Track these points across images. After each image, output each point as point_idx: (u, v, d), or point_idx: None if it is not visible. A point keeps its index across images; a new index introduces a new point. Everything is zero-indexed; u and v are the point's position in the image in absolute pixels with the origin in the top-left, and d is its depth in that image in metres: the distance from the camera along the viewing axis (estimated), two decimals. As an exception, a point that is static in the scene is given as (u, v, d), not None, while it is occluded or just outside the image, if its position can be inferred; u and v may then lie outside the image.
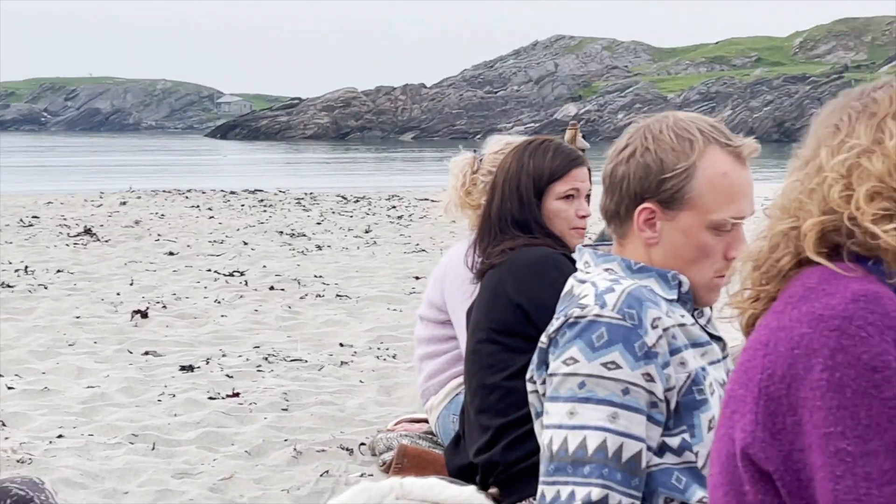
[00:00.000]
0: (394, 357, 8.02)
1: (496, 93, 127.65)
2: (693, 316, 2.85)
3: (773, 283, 2.03)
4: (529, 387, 2.87)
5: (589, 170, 4.20)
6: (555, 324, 2.79)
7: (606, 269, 2.85)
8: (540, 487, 2.73)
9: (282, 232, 17.00)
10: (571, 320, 2.74)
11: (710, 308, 2.93)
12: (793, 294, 1.96)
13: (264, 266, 12.91)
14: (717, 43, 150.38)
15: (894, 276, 1.94)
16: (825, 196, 1.98)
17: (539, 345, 2.82)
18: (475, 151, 5.07)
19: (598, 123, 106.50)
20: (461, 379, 4.74)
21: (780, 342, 1.90)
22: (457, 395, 4.85)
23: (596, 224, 7.40)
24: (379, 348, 8.29)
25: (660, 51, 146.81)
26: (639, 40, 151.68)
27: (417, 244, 15.55)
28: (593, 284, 2.79)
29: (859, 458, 1.80)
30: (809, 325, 1.88)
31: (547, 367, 2.79)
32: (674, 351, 2.74)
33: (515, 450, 3.77)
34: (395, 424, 5.53)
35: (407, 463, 4.71)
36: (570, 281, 2.90)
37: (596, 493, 2.64)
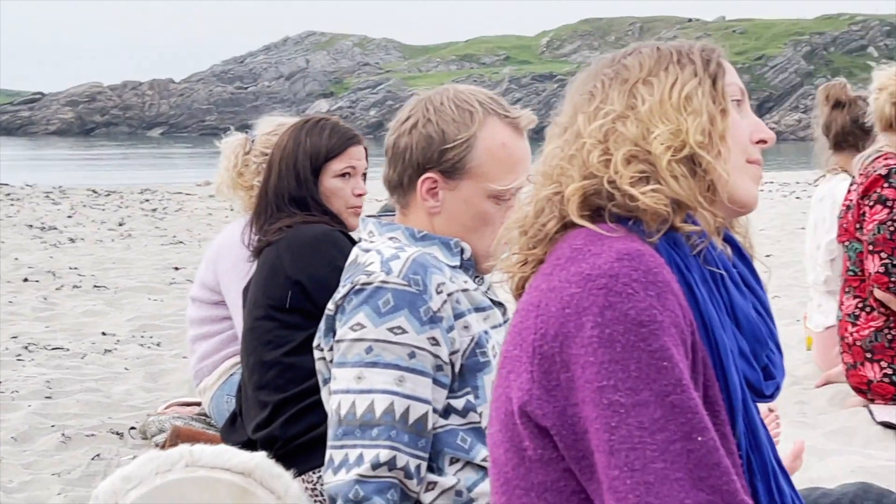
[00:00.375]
0: (158, 345, 7.94)
1: (247, 88, 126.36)
2: (475, 282, 2.94)
3: (540, 247, 2.11)
4: (317, 354, 2.91)
5: (366, 149, 4.25)
6: (341, 291, 2.83)
7: (391, 238, 2.91)
8: (328, 452, 2.78)
9: (31, 225, 16.52)
10: (358, 287, 2.79)
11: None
12: (560, 256, 2.04)
13: (16, 259, 12.55)
14: (466, 41, 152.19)
15: (654, 235, 2.04)
16: (585, 161, 2.07)
17: (326, 312, 2.86)
18: (247, 132, 5.07)
19: (350, 120, 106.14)
20: (236, 359, 4.74)
21: (550, 303, 1.98)
22: (231, 375, 4.85)
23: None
24: (142, 336, 8.19)
25: (411, 48, 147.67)
26: (390, 37, 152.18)
27: (174, 236, 15.36)
28: (378, 252, 2.84)
29: (632, 408, 1.88)
30: (578, 285, 1.96)
31: (334, 333, 2.83)
32: (458, 315, 2.82)
33: (295, 424, 3.79)
34: (166, 408, 5.49)
35: (181, 444, 4.67)
36: (355, 250, 2.94)
37: (384, 454, 2.70)
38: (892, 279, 5.27)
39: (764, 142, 2.21)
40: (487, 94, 2.97)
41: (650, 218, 2.04)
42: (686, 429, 1.89)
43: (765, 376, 2.19)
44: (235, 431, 4.16)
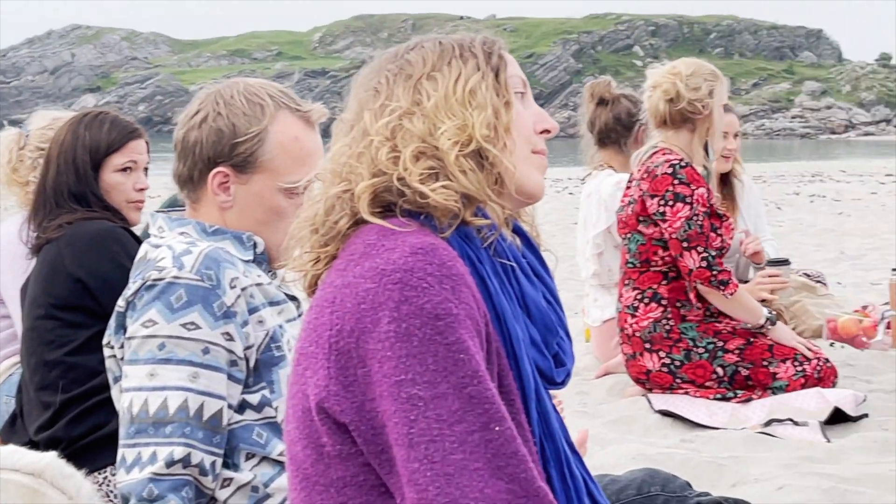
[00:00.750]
0: (-74, 347, 7.65)
1: (9, 83, 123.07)
2: (269, 276, 2.92)
3: (332, 244, 2.11)
4: (107, 352, 2.85)
5: (147, 143, 4.18)
6: (132, 287, 2.78)
7: (181, 233, 2.88)
8: (120, 451, 2.73)
9: None
10: (149, 283, 2.74)
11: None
12: (354, 251, 2.04)
13: None
14: (238, 36, 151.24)
15: (446, 230, 2.05)
16: (373, 159, 2.08)
17: (116, 309, 2.81)
18: (21, 127, 4.94)
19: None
20: (14, 359, 4.61)
21: (345, 298, 1.97)
22: (10, 375, 4.71)
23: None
24: None
25: (180, 43, 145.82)
26: (159, 32, 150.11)
27: (-62, 235, 14.83)
28: (169, 248, 2.81)
29: (430, 401, 1.90)
30: (373, 280, 1.96)
31: (125, 330, 2.78)
32: (252, 310, 2.79)
33: (79, 425, 3.71)
34: (-61, 411, 5.31)
35: (-44, 448, 4.53)
36: (145, 246, 2.90)
37: (178, 452, 2.66)
38: (714, 272, 5.41)
39: (548, 131, 2.25)
40: (278, 88, 2.96)
41: (441, 214, 2.06)
42: (484, 419, 1.91)
43: (555, 364, 2.23)
44: (15, 433, 4.05)
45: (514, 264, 2.16)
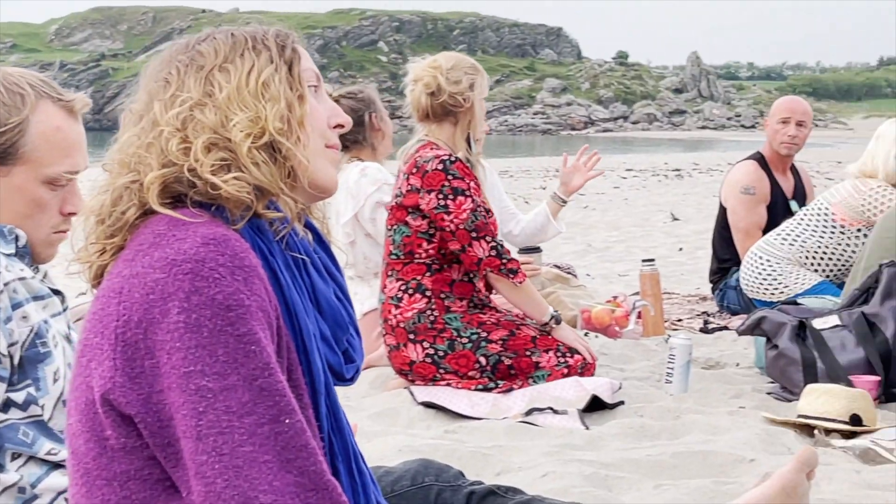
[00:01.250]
0: None
1: None
2: (32, 270, 2.83)
3: (119, 235, 2.08)
4: None
5: None
6: None
7: (-62, 228, 2.77)
8: None
9: None
10: None
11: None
12: (143, 242, 2.02)
13: None
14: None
15: (238, 222, 2.05)
16: (163, 149, 2.06)
17: None
18: None
19: None
20: None
21: (134, 288, 1.95)
22: None
23: None
24: None
25: None
26: None
27: None
28: (-74, 243, 2.70)
29: (219, 393, 1.88)
30: (163, 270, 1.93)
31: None
32: (16, 305, 2.70)
33: None
34: None
35: None
36: None
37: (-61, 454, 2.57)
38: (503, 260, 5.48)
39: (341, 126, 2.27)
40: (38, 77, 2.88)
41: (233, 205, 2.05)
42: (274, 412, 1.91)
43: (345, 360, 2.27)
44: None
45: (306, 258, 2.17)
